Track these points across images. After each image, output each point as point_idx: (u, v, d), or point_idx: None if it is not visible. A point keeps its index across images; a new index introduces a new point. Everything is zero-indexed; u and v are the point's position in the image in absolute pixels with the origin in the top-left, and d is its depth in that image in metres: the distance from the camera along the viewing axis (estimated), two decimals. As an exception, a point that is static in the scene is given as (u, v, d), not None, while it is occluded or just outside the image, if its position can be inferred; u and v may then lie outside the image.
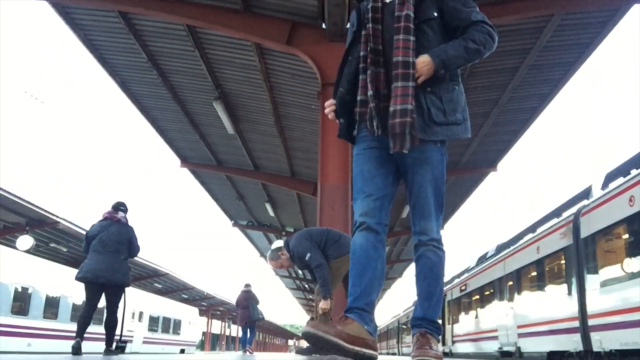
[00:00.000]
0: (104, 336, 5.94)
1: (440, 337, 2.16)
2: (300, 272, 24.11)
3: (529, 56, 8.94)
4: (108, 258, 5.70)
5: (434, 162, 2.10)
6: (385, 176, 2.14)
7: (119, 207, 6.14)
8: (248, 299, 12.71)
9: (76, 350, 5.39)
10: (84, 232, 18.14)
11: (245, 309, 12.62)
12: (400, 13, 2.07)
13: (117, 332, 6.02)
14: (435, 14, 2.11)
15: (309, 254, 4.65)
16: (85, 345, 5.65)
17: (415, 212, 2.13)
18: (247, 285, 13.12)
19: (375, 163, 2.13)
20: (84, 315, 5.74)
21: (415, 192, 2.11)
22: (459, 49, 2.05)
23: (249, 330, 12.93)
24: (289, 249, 4.91)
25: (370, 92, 2.09)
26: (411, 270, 31.66)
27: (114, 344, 5.97)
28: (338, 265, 4.74)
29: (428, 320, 2.11)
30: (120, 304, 6.09)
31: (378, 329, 41.88)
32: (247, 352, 12.49)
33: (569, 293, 8.98)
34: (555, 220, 10.21)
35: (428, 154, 2.09)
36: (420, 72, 2.02)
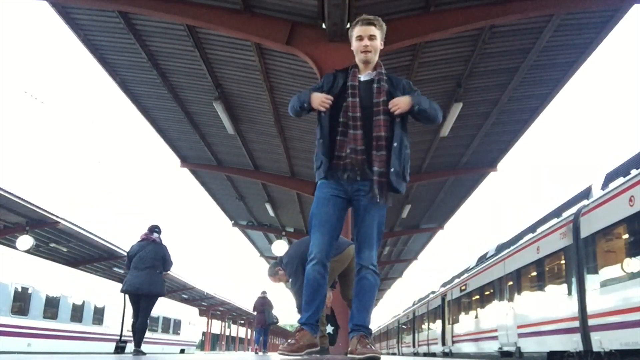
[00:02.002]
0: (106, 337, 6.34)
1: (371, 337, 2.85)
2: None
3: (529, 56, 8.93)
4: (146, 273, 6.59)
5: (381, 206, 2.80)
6: (338, 220, 2.86)
7: (154, 229, 7.07)
8: (264, 305, 13.98)
9: (137, 353, 6.40)
10: (84, 232, 18.17)
11: (261, 314, 13.89)
12: (379, 99, 2.82)
13: (117, 332, 6.38)
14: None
15: (290, 280, 4.95)
16: (86, 345, 5.91)
17: (360, 241, 2.81)
18: (264, 292, 14.29)
19: (333, 208, 2.83)
20: (134, 324, 6.64)
21: (364, 226, 2.79)
22: (426, 99, 2.87)
23: (263, 332, 14.20)
24: (283, 266, 5.07)
25: (349, 149, 2.78)
26: (411, 269, 31.76)
27: (116, 344, 6.27)
28: (333, 265, 4.79)
29: (365, 327, 2.80)
30: (122, 306, 6.55)
31: (378, 328, 42.23)
32: (256, 351, 13.09)
33: (569, 293, 8.98)
34: (555, 220, 10.21)
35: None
36: (402, 105, 2.73)
